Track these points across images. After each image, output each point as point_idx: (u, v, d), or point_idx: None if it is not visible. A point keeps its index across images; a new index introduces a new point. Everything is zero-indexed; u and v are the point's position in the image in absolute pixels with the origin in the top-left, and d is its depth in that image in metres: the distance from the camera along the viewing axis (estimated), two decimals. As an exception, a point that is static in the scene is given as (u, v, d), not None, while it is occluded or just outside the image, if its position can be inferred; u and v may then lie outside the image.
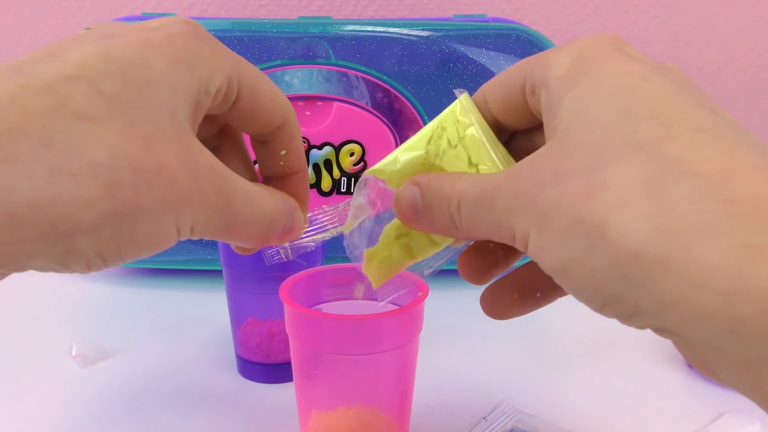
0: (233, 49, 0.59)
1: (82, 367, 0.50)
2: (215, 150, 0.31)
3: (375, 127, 0.61)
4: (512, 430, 0.42)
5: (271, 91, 0.30)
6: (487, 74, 0.60)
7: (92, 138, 0.22)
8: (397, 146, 0.61)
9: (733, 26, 0.84)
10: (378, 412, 0.37)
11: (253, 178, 0.32)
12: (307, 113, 0.60)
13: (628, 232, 0.21)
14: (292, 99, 0.60)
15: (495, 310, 0.30)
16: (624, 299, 0.21)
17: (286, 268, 0.44)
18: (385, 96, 0.60)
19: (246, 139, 0.33)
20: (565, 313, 0.61)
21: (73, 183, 0.22)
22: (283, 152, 0.31)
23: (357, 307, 0.40)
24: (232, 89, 0.28)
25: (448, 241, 0.30)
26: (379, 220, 0.30)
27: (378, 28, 0.60)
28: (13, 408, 0.45)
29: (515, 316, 0.30)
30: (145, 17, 0.63)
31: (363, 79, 0.60)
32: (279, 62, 0.60)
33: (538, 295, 0.30)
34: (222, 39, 0.59)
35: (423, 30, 0.60)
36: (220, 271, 0.50)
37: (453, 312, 0.60)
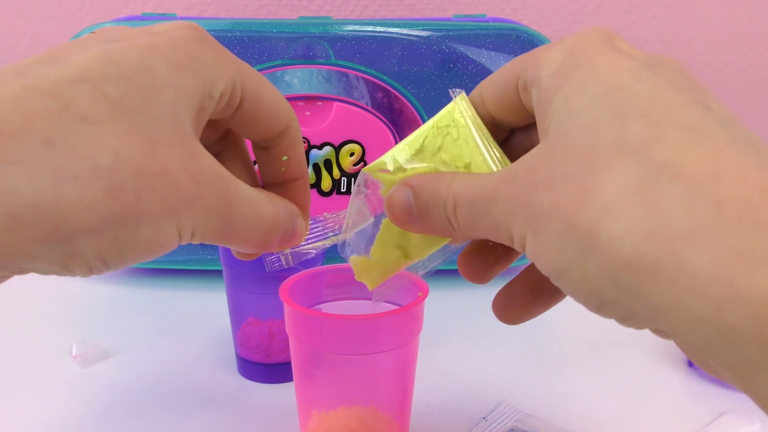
0: (233, 49, 0.59)
1: (82, 367, 0.50)
2: (218, 155, 0.31)
3: (375, 127, 0.61)
4: (512, 430, 0.42)
5: (274, 96, 0.30)
6: (486, 74, 0.59)
7: (96, 141, 0.22)
8: (397, 146, 0.61)
9: (733, 26, 0.84)
10: (378, 412, 0.37)
11: (254, 184, 0.32)
12: (307, 113, 0.60)
13: (619, 238, 0.21)
14: (292, 99, 0.60)
15: (509, 315, 0.30)
16: (619, 303, 0.22)
17: (285, 268, 0.44)
18: (385, 96, 0.60)
19: (248, 145, 0.33)
20: (565, 313, 0.61)
21: (76, 185, 0.22)
22: (285, 158, 0.31)
23: (357, 307, 0.40)
24: (235, 94, 0.28)
25: (444, 240, 0.29)
26: (377, 223, 0.30)
27: (378, 28, 0.60)
28: (13, 408, 0.45)
29: (528, 319, 0.30)
30: (145, 17, 0.63)
31: (363, 79, 0.60)
32: (279, 62, 0.60)
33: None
34: (222, 39, 0.59)
35: (423, 30, 0.60)
36: (220, 271, 0.50)
37: (453, 312, 0.60)
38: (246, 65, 0.29)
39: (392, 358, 0.37)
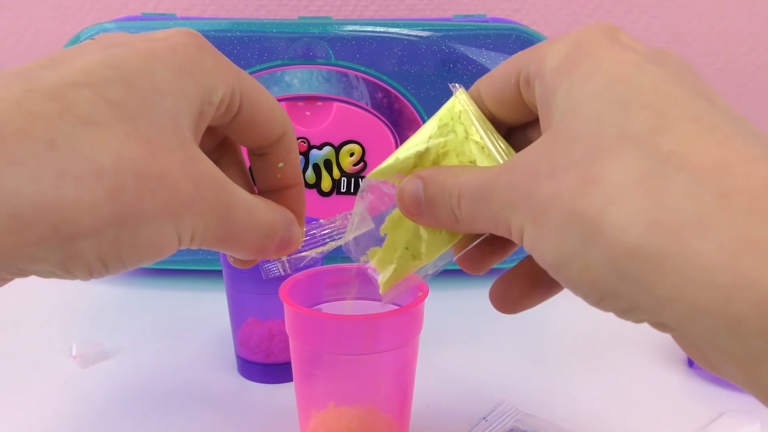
0: (233, 49, 0.59)
1: (82, 367, 0.50)
2: (215, 163, 0.32)
3: (375, 127, 0.61)
4: (512, 430, 0.42)
5: (271, 103, 0.30)
6: (487, 74, 0.60)
7: (97, 142, 0.23)
8: (397, 146, 0.61)
9: (733, 26, 0.84)
10: (378, 412, 0.37)
11: (251, 191, 0.32)
12: (307, 113, 0.60)
13: (623, 227, 0.20)
14: (292, 99, 0.60)
15: (505, 304, 0.30)
16: (620, 294, 0.21)
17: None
18: (385, 96, 0.60)
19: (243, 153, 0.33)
20: (565, 313, 0.61)
21: (78, 187, 0.22)
22: (280, 164, 0.32)
23: (357, 307, 0.40)
24: (234, 100, 0.28)
25: (452, 242, 0.29)
26: (382, 221, 0.30)
27: (378, 29, 0.60)
28: (13, 408, 0.45)
29: (526, 309, 0.30)
30: (145, 17, 0.63)
31: (363, 79, 0.60)
32: (279, 62, 0.60)
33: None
34: (222, 39, 0.59)
35: (423, 30, 0.60)
36: (220, 271, 0.50)
37: (453, 312, 0.60)
38: (243, 72, 0.29)
39: (392, 358, 0.37)
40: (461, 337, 0.55)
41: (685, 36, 0.84)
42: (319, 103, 0.60)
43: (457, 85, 0.29)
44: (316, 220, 0.36)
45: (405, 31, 0.60)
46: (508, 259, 0.31)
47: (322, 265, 0.47)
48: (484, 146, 0.28)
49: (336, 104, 0.60)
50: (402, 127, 0.61)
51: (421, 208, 0.28)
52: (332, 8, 0.83)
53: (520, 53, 0.28)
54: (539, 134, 0.26)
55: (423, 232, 0.30)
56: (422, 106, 0.60)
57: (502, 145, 0.28)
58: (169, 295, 0.63)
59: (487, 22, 0.61)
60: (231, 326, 0.50)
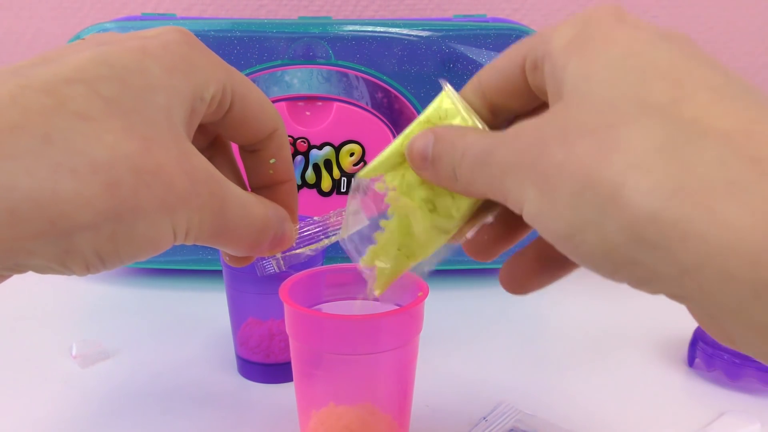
0: (233, 49, 0.59)
1: (82, 367, 0.50)
2: None
3: (375, 127, 0.61)
4: (512, 430, 0.42)
5: (262, 99, 0.30)
6: (487, 74, 0.60)
7: (92, 137, 0.23)
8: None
9: (733, 26, 0.84)
10: (378, 412, 0.37)
11: (243, 189, 0.32)
12: (307, 113, 0.60)
13: (645, 193, 0.20)
14: (292, 99, 0.60)
15: (514, 284, 0.29)
16: (638, 263, 0.21)
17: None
18: (385, 96, 0.60)
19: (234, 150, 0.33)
20: (565, 313, 0.61)
21: (74, 180, 0.22)
22: (272, 161, 0.32)
23: (358, 307, 0.40)
24: (225, 97, 0.28)
25: (448, 236, 0.29)
26: (376, 222, 0.30)
27: (378, 28, 0.60)
28: (13, 408, 0.45)
29: (534, 290, 0.29)
30: (145, 17, 0.63)
31: (363, 79, 0.60)
32: (279, 62, 0.60)
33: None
34: (222, 39, 0.59)
35: (423, 30, 0.60)
36: (220, 271, 0.50)
37: (453, 312, 0.60)
38: (234, 69, 0.29)
39: (392, 358, 0.37)
40: (461, 337, 0.55)
41: (685, 36, 0.84)
42: (319, 103, 0.60)
43: (445, 82, 0.29)
44: (310, 217, 0.36)
45: (405, 31, 0.60)
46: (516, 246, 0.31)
47: (322, 263, 0.47)
48: None
49: (336, 104, 0.60)
50: (402, 127, 0.61)
51: (426, 162, 0.28)
52: (332, 8, 0.83)
53: (523, 41, 0.27)
54: None
55: (417, 229, 0.29)
56: (422, 106, 0.60)
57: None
58: (169, 295, 0.63)
59: (487, 22, 0.61)
60: (231, 326, 0.50)
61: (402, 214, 0.29)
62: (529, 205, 0.23)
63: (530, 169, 0.23)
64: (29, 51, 0.83)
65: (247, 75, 0.59)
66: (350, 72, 0.60)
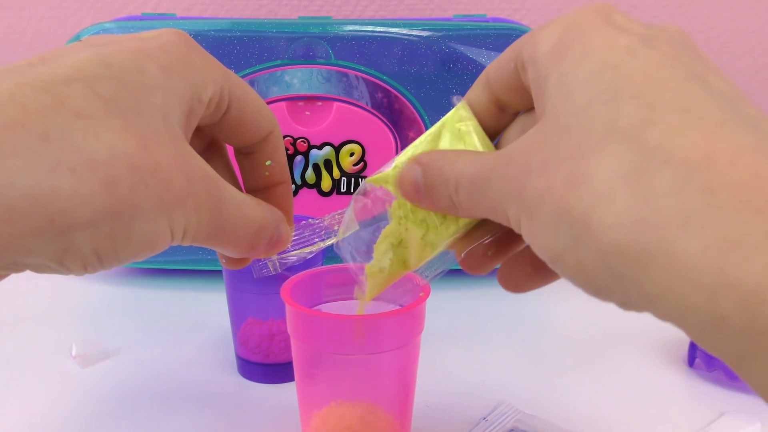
0: (233, 49, 0.59)
1: (82, 367, 0.50)
2: None
3: (375, 127, 0.61)
4: (512, 430, 0.42)
5: (258, 101, 0.30)
6: (487, 74, 0.60)
7: (91, 135, 0.23)
8: (397, 146, 0.61)
9: (733, 26, 0.84)
10: (379, 413, 0.37)
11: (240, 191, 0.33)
12: (307, 113, 0.60)
13: (611, 226, 0.21)
14: (292, 99, 0.60)
15: (511, 284, 0.30)
16: (613, 290, 0.22)
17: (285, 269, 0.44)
18: (385, 96, 0.60)
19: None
20: (565, 313, 0.61)
21: (72, 178, 0.22)
22: (268, 162, 0.32)
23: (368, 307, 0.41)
24: (223, 99, 0.29)
25: (441, 246, 0.30)
26: (376, 228, 0.31)
27: (378, 28, 0.60)
28: (13, 408, 0.45)
29: (531, 289, 0.30)
30: (145, 17, 0.63)
31: (363, 79, 0.60)
32: (279, 62, 0.60)
33: None
34: (222, 39, 0.59)
35: (423, 30, 0.60)
36: (220, 271, 0.50)
37: (453, 312, 0.60)
38: (231, 72, 0.29)
39: (394, 358, 0.37)
40: (461, 337, 0.55)
41: (684, 36, 0.84)
42: (319, 103, 0.60)
43: (458, 97, 0.29)
44: (306, 219, 0.36)
45: (405, 31, 0.60)
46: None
47: (322, 263, 0.47)
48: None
49: (336, 104, 0.60)
50: (402, 127, 0.61)
51: (420, 194, 0.28)
52: (332, 8, 0.83)
53: (519, 39, 0.27)
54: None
55: (410, 238, 0.30)
56: (422, 106, 0.60)
57: None
58: (169, 295, 0.63)
59: (487, 22, 0.61)
60: (231, 326, 0.50)
61: (399, 224, 0.30)
62: (523, 228, 0.24)
63: (518, 197, 0.24)
64: (29, 51, 0.83)
65: (247, 75, 0.59)
66: (350, 72, 0.60)
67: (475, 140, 0.28)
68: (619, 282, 0.21)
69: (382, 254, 0.30)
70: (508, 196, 0.24)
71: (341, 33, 0.60)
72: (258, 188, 0.33)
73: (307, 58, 0.60)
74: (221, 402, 0.46)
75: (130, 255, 0.24)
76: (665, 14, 0.83)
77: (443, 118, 0.29)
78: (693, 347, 0.50)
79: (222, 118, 0.29)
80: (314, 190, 0.62)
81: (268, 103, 0.59)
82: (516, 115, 0.30)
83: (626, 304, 0.22)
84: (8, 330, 0.56)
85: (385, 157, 0.61)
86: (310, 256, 0.35)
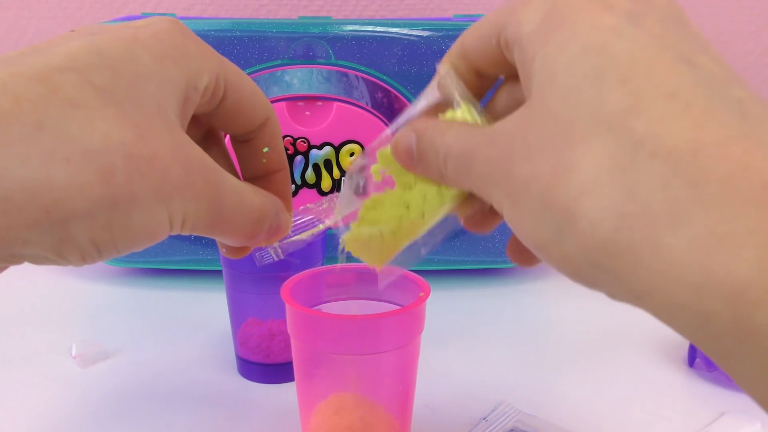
0: (233, 49, 0.59)
1: (82, 367, 0.50)
2: None
3: (375, 127, 0.61)
4: (512, 430, 0.42)
5: (253, 88, 0.30)
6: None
7: (85, 124, 0.23)
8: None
9: (733, 26, 0.84)
10: (379, 412, 0.37)
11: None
12: (307, 113, 0.60)
13: (596, 220, 0.20)
14: (292, 99, 0.60)
15: (520, 258, 0.29)
16: (600, 283, 0.21)
17: (285, 268, 0.44)
18: (385, 96, 0.60)
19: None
20: (565, 313, 0.61)
21: (68, 168, 0.22)
22: (266, 149, 0.32)
23: (358, 307, 0.41)
24: (219, 86, 0.28)
25: (436, 216, 0.29)
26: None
27: (378, 28, 0.60)
28: (13, 408, 0.45)
29: (540, 263, 0.29)
30: (144, 17, 0.63)
31: (363, 79, 0.60)
32: (279, 62, 0.60)
33: None
34: (222, 39, 0.59)
35: (423, 30, 0.60)
36: (220, 271, 0.50)
37: (453, 312, 0.60)
38: (226, 59, 0.29)
39: (394, 358, 0.37)
40: (461, 337, 0.55)
41: (684, 36, 0.84)
42: (319, 103, 0.60)
43: (444, 65, 0.29)
44: (304, 206, 0.36)
45: (405, 31, 0.60)
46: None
47: (322, 263, 0.47)
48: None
49: (336, 104, 0.60)
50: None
51: (413, 161, 0.28)
52: (332, 8, 0.83)
53: (497, 11, 0.26)
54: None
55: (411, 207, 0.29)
56: (422, 106, 0.60)
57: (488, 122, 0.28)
58: (169, 295, 0.63)
59: (487, 22, 0.61)
60: (231, 326, 0.50)
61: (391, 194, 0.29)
62: (506, 213, 0.24)
63: (502, 182, 0.23)
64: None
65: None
66: (350, 72, 0.60)
67: (465, 106, 0.28)
68: (605, 276, 0.21)
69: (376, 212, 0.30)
70: (492, 179, 0.24)
71: (341, 33, 0.60)
72: (256, 176, 0.33)
73: (307, 58, 0.60)
74: (221, 402, 0.46)
75: (128, 245, 0.24)
76: (665, 14, 0.83)
77: (430, 84, 0.29)
78: (693, 347, 0.50)
79: (218, 105, 0.29)
80: (314, 190, 0.62)
81: (268, 103, 0.59)
82: (494, 80, 0.29)
83: (613, 296, 0.21)
84: (8, 330, 0.56)
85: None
86: (311, 240, 0.35)
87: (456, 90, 0.28)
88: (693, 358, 0.50)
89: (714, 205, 0.19)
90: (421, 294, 0.37)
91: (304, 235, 0.34)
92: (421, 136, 0.27)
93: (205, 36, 0.59)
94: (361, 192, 0.30)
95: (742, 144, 0.19)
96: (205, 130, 0.32)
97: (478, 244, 0.64)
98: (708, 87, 0.21)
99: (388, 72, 0.60)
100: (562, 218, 0.21)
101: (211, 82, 0.28)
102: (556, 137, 0.22)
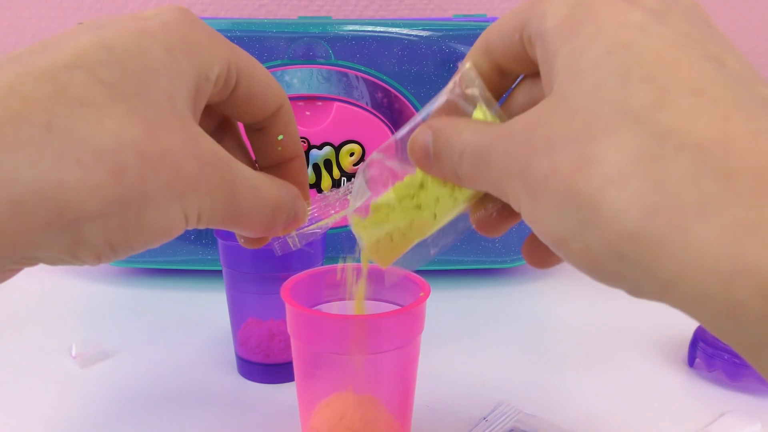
0: (233, 49, 0.59)
1: (82, 367, 0.50)
2: None
3: (375, 127, 0.61)
4: (512, 430, 0.42)
5: (266, 76, 0.30)
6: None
7: (95, 123, 0.22)
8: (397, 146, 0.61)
9: (733, 26, 0.84)
10: (380, 412, 0.37)
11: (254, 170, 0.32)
12: (307, 113, 0.60)
13: (622, 211, 0.20)
14: (292, 99, 0.60)
15: (535, 259, 0.29)
16: (623, 277, 0.21)
17: (285, 268, 0.44)
18: (385, 96, 0.60)
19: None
20: (565, 313, 0.61)
21: (79, 169, 0.21)
22: (280, 137, 0.31)
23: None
24: (231, 75, 0.28)
25: (447, 217, 0.29)
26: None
27: (378, 28, 0.60)
28: (13, 408, 0.45)
29: (556, 264, 0.29)
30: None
31: (363, 79, 0.60)
32: (279, 62, 0.60)
33: None
34: (222, 39, 0.59)
35: (423, 30, 0.60)
36: (220, 271, 0.50)
37: (453, 312, 0.60)
38: (237, 47, 0.29)
39: (394, 358, 0.37)
40: (461, 337, 0.55)
41: (684, 36, 0.84)
42: (319, 103, 0.60)
43: (466, 63, 0.28)
44: (320, 205, 0.35)
45: (405, 31, 0.60)
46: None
47: (322, 263, 0.47)
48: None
49: (336, 104, 0.60)
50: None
51: (429, 160, 0.27)
52: (332, 8, 0.83)
53: (521, 6, 0.26)
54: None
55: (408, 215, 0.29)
56: (422, 106, 0.60)
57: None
58: (169, 295, 0.63)
59: (487, 21, 0.61)
60: (231, 326, 0.50)
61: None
62: (524, 208, 0.23)
63: (521, 177, 0.23)
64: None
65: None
66: (350, 72, 0.60)
67: (483, 107, 0.27)
68: (630, 269, 0.20)
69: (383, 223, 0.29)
70: (509, 174, 0.23)
71: (341, 33, 0.60)
72: (271, 165, 0.32)
73: (307, 58, 0.60)
74: (221, 402, 0.46)
75: (144, 243, 0.24)
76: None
77: (451, 82, 0.29)
78: (693, 347, 0.50)
79: (231, 94, 0.29)
80: (314, 190, 0.62)
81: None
82: (516, 78, 0.29)
83: (636, 291, 0.21)
84: (8, 330, 0.56)
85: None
86: (328, 229, 0.34)
87: (476, 89, 0.28)
88: (693, 358, 0.50)
89: (745, 196, 0.19)
90: (421, 294, 0.37)
91: (322, 223, 0.33)
92: (438, 135, 0.27)
93: (205, 36, 0.59)
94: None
95: None
96: (218, 120, 0.32)
97: (478, 244, 0.64)
98: (734, 84, 0.21)
99: (388, 72, 0.60)
100: (585, 210, 0.21)
101: (223, 72, 0.27)
102: (579, 130, 0.22)
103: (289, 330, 0.37)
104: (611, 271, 0.21)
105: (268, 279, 0.46)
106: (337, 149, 0.61)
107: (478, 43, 0.29)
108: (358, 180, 0.30)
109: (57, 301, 0.62)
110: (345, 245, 0.62)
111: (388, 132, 0.61)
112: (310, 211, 0.33)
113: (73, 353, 0.50)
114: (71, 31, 0.25)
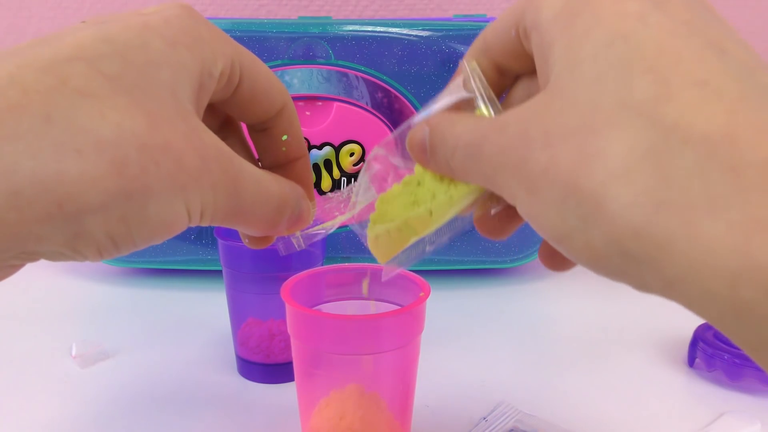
0: (233, 49, 0.59)
1: (81, 367, 0.50)
2: None
3: (375, 127, 0.61)
4: (512, 430, 0.42)
5: (269, 74, 0.29)
6: (487, 74, 0.60)
7: (96, 114, 0.22)
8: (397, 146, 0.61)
9: (734, 26, 0.84)
10: (379, 412, 0.37)
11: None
12: (307, 113, 0.60)
13: (628, 206, 0.19)
14: (292, 99, 0.60)
15: (553, 262, 0.29)
16: (628, 274, 0.21)
17: (285, 268, 0.44)
18: (385, 96, 0.60)
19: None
20: (565, 313, 0.61)
21: (79, 160, 0.21)
22: (284, 137, 0.31)
23: (358, 307, 0.41)
24: (234, 73, 0.27)
25: (445, 215, 0.29)
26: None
27: (378, 28, 0.60)
28: (13, 408, 0.45)
29: (573, 267, 0.28)
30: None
31: (363, 79, 0.60)
32: (279, 62, 0.60)
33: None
34: (222, 39, 0.59)
35: (423, 30, 0.60)
36: (220, 271, 0.50)
37: (453, 312, 0.60)
38: (240, 45, 0.28)
39: (394, 358, 0.37)
40: (461, 337, 0.55)
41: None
42: (319, 103, 0.60)
43: (470, 62, 0.28)
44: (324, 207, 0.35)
45: (405, 31, 0.60)
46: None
47: (322, 263, 0.47)
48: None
49: (336, 104, 0.60)
50: (402, 127, 0.61)
51: (426, 155, 0.27)
52: (332, 8, 0.83)
53: (517, 2, 0.26)
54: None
55: (416, 208, 0.29)
56: (422, 106, 0.60)
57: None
58: (169, 295, 0.63)
59: (487, 21, 0.61)
60: (231, 326, 0.50)
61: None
62: (520, 203, 0.23)
63: (517, 171, 0.23)
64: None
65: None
66: (350, 72, 0.60)
67: (485, 105, 0.27)
68: (635, 265, 0.20)
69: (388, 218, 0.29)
70: (504, 168, 0.23)
71: (341, 33, 0.60)
72: (276, 165, 0.32)
73: (307, 58, 0.60)
74: (221, 402, 0.46)
75: (146, 238, 0.23)
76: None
77: (453, 80, 0.29)
78: (693, 347, 0.50)
79: (234, 93, 0.28)
80: (315, 191, 0.62)
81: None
82: (516, 78, 0.29)
83: (641, 286, 0.21)
84: (8, 330, 0.56)
85: (385, 157, 0.61)
86: (333, 230, 0.34)
87: (478, 87, 0.28)
88: (693, 358, 0.50)
89: (754, 191, 0.18)
90: (421, 294, 0.37)
91: (328, 224, 0.33)
92: (434, 130, 0.27)
93: (205, 36, 0.59)
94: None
95: None
96: (221, 119, 0.31)
97: (478, 244, 0.64)
98: (738, 74, 0.20)
99: (388, 72, 0.60)
100: (588, 205, 0.20)
101: (227, 68, 0.27)
102: (579, 123, 0.21)
103: (289, 330, 0.37)
104: (615, 267, 0.21)
105: (268, 279, 0.46)
106: (337, 149, 0.61)
107: (476, 42, 0.28)
108: (362, 176, 0.30)
109: (57, 300, 0.62)
110: (345, 245, 0.62)
111: (388, 132, 0.61)
112: (315, 211, 0.33)
113: (73, 353, 0.50)
114: (73, 27, 0.25)
